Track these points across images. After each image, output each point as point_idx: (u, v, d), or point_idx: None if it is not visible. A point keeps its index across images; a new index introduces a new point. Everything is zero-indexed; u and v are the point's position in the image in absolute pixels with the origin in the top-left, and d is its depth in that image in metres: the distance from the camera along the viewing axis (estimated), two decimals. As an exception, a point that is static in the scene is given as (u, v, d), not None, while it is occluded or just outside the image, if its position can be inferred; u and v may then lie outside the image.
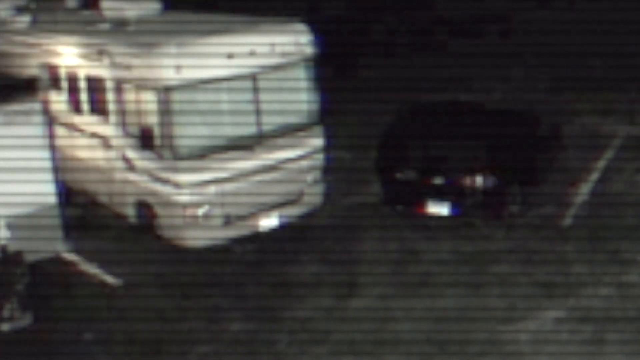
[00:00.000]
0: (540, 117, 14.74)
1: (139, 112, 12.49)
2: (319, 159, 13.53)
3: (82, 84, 13.70)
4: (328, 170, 13.79)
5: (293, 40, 12.93)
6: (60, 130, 13.94)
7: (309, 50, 13.13)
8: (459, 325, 10.70)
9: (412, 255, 12.62)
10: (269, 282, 12.01)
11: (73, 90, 13.93)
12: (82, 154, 14.03)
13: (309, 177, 13.37)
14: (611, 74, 19.89)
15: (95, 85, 13.38)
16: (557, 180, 14.39)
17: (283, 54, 12.75)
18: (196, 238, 12.44)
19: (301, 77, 13.11)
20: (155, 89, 12.03)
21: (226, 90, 12.25)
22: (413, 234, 13.25)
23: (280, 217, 13.09)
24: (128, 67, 12.51)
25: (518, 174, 13.50)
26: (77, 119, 14.02)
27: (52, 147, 12.40)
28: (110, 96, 13.06)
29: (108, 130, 13.31)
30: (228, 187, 12.42)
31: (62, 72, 14.09)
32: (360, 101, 18.50)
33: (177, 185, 12.23)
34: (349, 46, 22.39)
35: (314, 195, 13.49)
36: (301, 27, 13.20)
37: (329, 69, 14.19)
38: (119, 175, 13.27)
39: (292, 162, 13.04)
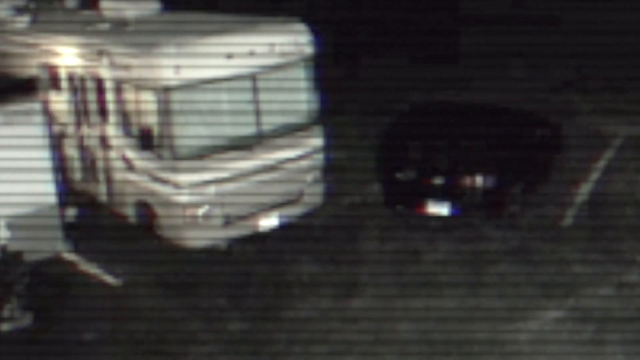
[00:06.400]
0: (540, 117, 14.74)
1: (138, 112, 12.49)
2: (319, 159, 13.53)
3: (82, 84, 13.70)
4: (328, 170, 13.79)
5: (293, 40, 12.93)
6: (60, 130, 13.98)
7: (309, 50, 13.12)
8: (459, 325, 10.70)
9: (412, 255, 12.61)
10: (269, 282, 12.01)
11: (73, 90, 13.94)
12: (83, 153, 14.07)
13: (309, 177, 13.36)
14: (611, 74, 19.88)
15: (94, 86, 13.38)
16: (557, 180, 14.39)
17: (283, 54, 12.75)
18: (196, 238, 12.44)
19: (301, 77, 13.11)
20: (154, 89, 12.03)
21: (226, 90, 12.25)
22: (413, 234, 13.25)
23: (280, 217, 13.09)
24: (127, 67, 12.51)
25: (518, 174, 13.50)
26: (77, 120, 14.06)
27: (52, 147, 12.41)
28: (109, 96, 13.06)
29: (108, 130, 13.32)
30: (228, 187, 12.42)
31: (62, 72, 14.09)
32: (360, 101, 18.51)
33: (177, 185, 12.23)
34: (349, 46, 22.40)
35: (314, 195, 13.49)
36: (301, 27, 13.19)
37: (329, 68, 14.18)
38: (119, 175, 13.28)
39: (292, 162, 13.04)
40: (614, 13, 23.21)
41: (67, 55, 13.91)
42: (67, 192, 13.14)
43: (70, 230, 12.66)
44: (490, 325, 10.62)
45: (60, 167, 12.98)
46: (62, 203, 12.53)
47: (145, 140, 12.33)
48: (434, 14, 25.22)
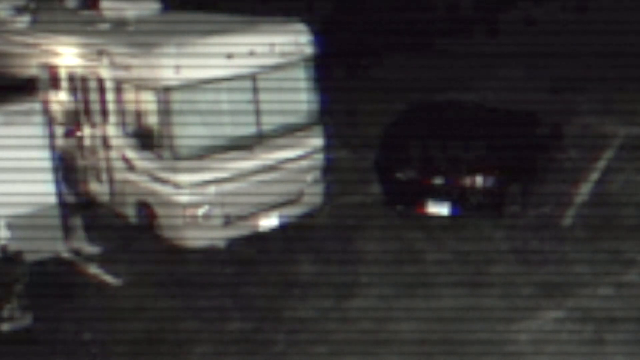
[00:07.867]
0: (540, 117, 14.73)
1: (138, 112, 12.50)
2: (319, 159, 13.53)
3: (82, 84, 13.70)
4: (328, 170, 13.79)
5: (293, 40, 12.93)
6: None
7: (309, 50, 13.13)
8: (459, 325, 10.70)
9: (412, 255, 12.61)
10: (269, 282, 12.01)
11: (73, 90, 13.93)
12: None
13: (309, 177, 13.36)
14: (611, 74, 19.86)
15: (95, 86, 13.38)
16: (557, 180, 14.39)
17: (283, 54, 12.75)
18: (196, 238, 12.44)
19: (301, 77, 13.11)
20: (154, 89, 12.03)
21: (226, 90, 12.26)
22: (413, 234, 13.24)
23: (280, 217, 13.09)
24: (128, 67, 12.51)
25: (518, 174, 13.50)
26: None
27: (52, 147, 12.42)
28: (110, 96, 13.06)
29: (108, 130, 13.32)
30: (228, 187, 12.42)
31: (62, 72, 14.09)
32: (360, 101, 18.49)
33: (177, 185, 12.23)
34: (349, 46, 22.39)
35: (314, 195, 13.49)
36: (301, 27, 13.19)
37: (329, 68, 14.18)
38: (119, 176, 13.28)
39: (292, 162, 13.04)
40: (613, 13, 23.20)
41: (67, 55, 13.91)
42: (67, 192, 13.16)
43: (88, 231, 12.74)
44: (490, 325, 10.62)
45: (60, 167, 12.98)
46: (62, 203, 12.54)
47: (145, 140, 12.33)
48: (435, 13, 25.23)
